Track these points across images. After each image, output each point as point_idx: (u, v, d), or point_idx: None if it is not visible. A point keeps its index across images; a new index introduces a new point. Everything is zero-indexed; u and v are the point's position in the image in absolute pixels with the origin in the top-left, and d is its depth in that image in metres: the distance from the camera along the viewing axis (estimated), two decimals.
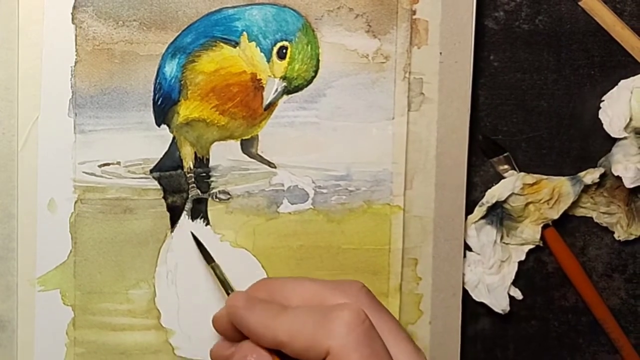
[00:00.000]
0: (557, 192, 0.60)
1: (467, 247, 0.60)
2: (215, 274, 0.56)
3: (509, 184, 0.60)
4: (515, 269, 0.61)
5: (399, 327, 0.49)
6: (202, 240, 0.57)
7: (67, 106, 0.55)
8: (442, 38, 0.57)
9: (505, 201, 0.60)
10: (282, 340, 0.47)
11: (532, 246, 0.61)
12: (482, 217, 0.60)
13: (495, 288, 0.60)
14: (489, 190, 0.60)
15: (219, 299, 0.57)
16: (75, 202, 0.56)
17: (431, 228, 0.58)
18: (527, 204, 0.60)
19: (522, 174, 0.60)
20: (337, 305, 0.47)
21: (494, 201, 0.60)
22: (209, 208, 0.57)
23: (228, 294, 0.54)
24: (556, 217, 0.61)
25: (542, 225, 0.61)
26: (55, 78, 0.55)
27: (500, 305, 0.60)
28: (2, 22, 0.54)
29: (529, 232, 0.61)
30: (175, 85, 0.56)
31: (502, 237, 0.61)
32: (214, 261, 0.56)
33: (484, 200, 0.60)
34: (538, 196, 0.60)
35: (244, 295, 0.51)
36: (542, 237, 0.61)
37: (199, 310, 0.57)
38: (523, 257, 0.61)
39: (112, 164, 0.56)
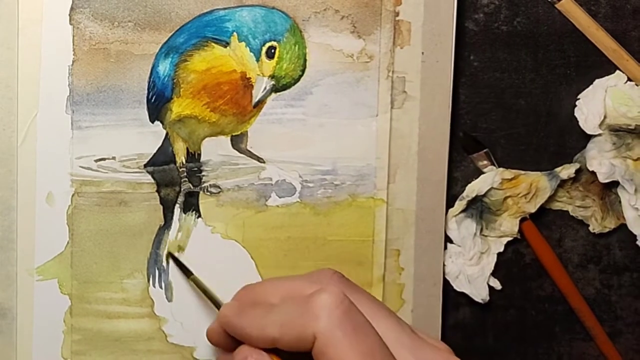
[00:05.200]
0: (535, 186, 0.61)
1: (448, 240, 0.60)
2: (196, 285, 0.56)
3: (488, 179, 0.60)
4: (495, 260, 0.62)
5: (378, 305, 0.49)
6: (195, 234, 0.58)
7: (64, 103, 0.56)
8: (424, 39, 0.58)
9: (484, 195, 0.61)
10: (275, 337, 0.47)
11: (510, 238, 0.62)
12: (463, 211, 0.60)
13: (475, 278, 0.61)
14: (469, 185, 0.60)
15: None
16: (73, 196, 0.57)
17: (413, 220, 0.59)
18: (505, 198, 0.61)
19: (501, 169, 0.61)
20: (316, 291, 0.47)
21: (473, 195, 0.60)
22: (200, 201, 0.58)
23: (212, 301, 0.54)
24: (533, 210, 0.61)
25: (520, 218, 0.61)
26: (54, 76, 0.56)
27: (480, 295, 0.61)
28: (2, 23, 0.55)
29: (508, 225, 0.61)
30: (169, 84, 0.57)
31: (481, 230, 0.61)
32: (192, 274, 0.57)
33: (464, 194, 0.60)
34: (516, 190, 0.61)
35: (234, 304, 0.51)
36: (520, 230, 0.62)
37: (190, 299, 0.58)
38: (502, 249, 0.62)
39: (108, 158, 0.57)
